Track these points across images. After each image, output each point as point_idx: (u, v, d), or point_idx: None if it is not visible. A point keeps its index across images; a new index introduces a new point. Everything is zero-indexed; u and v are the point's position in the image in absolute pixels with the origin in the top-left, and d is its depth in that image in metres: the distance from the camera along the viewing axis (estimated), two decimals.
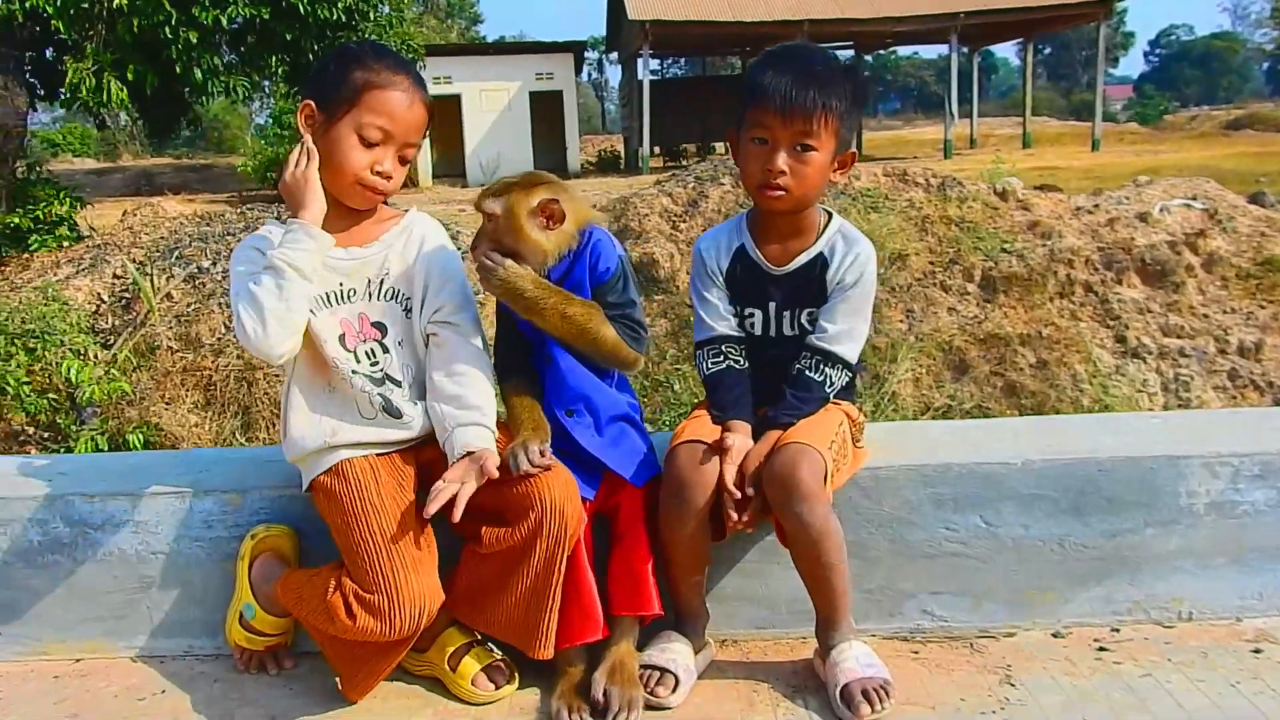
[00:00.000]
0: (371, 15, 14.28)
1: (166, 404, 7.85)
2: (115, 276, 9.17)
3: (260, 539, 2.30)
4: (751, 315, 2.27)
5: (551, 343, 2.18)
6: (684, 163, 25.13)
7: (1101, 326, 9.15)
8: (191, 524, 2.37)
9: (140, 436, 7.10)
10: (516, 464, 2.05)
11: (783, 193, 2.12)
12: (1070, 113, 53.11)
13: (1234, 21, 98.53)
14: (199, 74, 12.50)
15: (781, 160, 2.11)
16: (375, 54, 2.19)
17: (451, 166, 27.24)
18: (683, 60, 55.78)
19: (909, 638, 2.35)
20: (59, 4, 11.47)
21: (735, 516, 2.07)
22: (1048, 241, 9.54)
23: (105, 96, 12.02)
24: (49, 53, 13.28)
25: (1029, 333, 8.97)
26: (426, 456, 2.22)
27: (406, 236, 2.26)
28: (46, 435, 7.41)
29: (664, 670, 2.12)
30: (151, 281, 8.73)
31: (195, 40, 12.23)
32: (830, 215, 2.27)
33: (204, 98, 13.31)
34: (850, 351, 2.20)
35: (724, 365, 2.24)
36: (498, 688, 2.15)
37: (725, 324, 2.27)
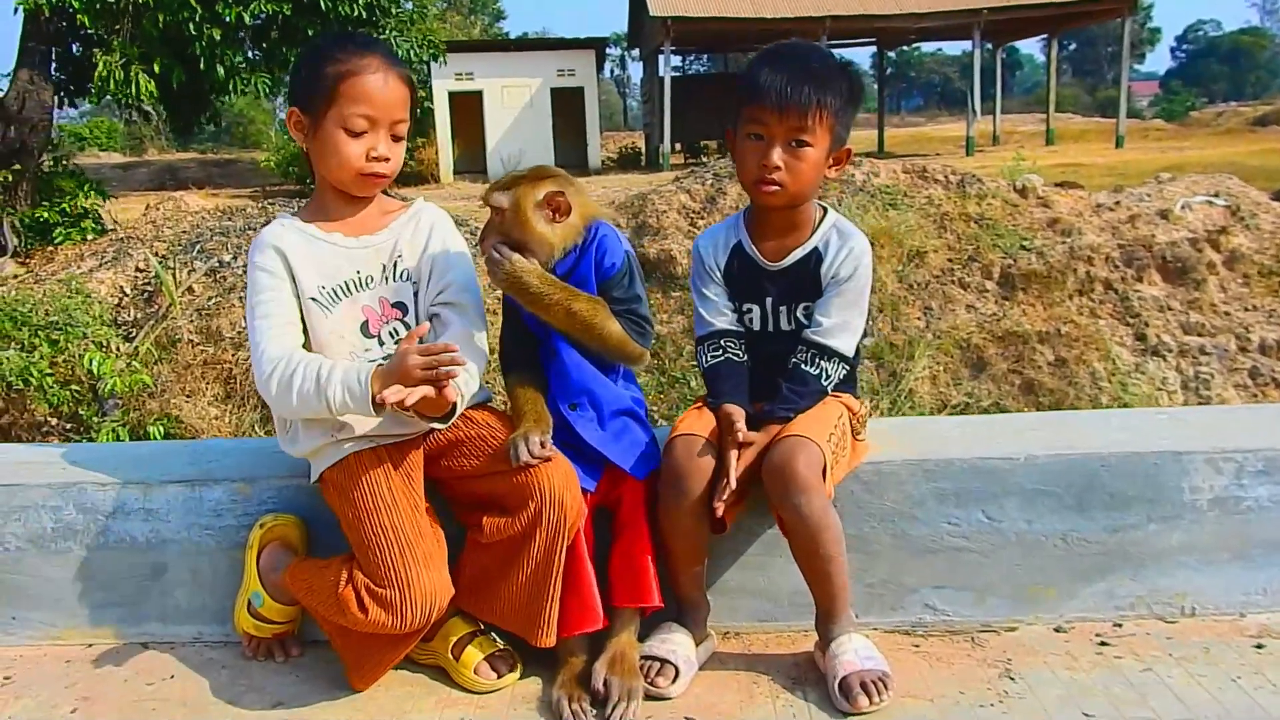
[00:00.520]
0: (393, 11, 14.35)
1: (187, 397, 7.93)
2: (138, 270, 9.27)
3: (268, 528, 2.33)
4: (750, 310, 2.29)
5: (556, 336, 2.20)
6: (705, 159, 25.11)
7: (1121, 324, 9.10)
8: (201, 513, 2.40)
9: (161, 428, 7.18)
10: (517, 454, 2.07)
11: (778, 188, 2.14)
12: (1096, 109, 52.72)
13: (1263, 17, 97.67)
14: (222, 70, 12.60)
15: (777, 156, 2.13)
16: (341, 44, 2.21)
17: (473, 163, 27.31)
18: (704, 57, 55.69)
19: (910, 631, 2.35)
20: None
21: (721, 504, 2.09)
22: (1068, 238, 9.49)
23: (134, 90, 12.13)
24: (75, 48, 13.40)
25: (1048, 330, 8.93)
26: (433, 445, 2.24)
27: (415, 223, 2.30)
28: (69, 426, 7.50)
29: (664, 661, 2.13)
30: (173, 275, 8.82)
31: (219, 37, 12.32)
32: (825, 210, 2.29)
33: (227, 94, 13.40)
34: (846, 344, 2.21)
35: (723, 358, 2.26)
36: (500, 676, 2.17)
37: (724, 319, 2.29)
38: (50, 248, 11.65)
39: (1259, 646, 2.21)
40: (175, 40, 12.43)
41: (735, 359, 2.27)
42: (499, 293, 2.26)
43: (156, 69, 12.26)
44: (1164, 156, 23.09)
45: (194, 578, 2.41)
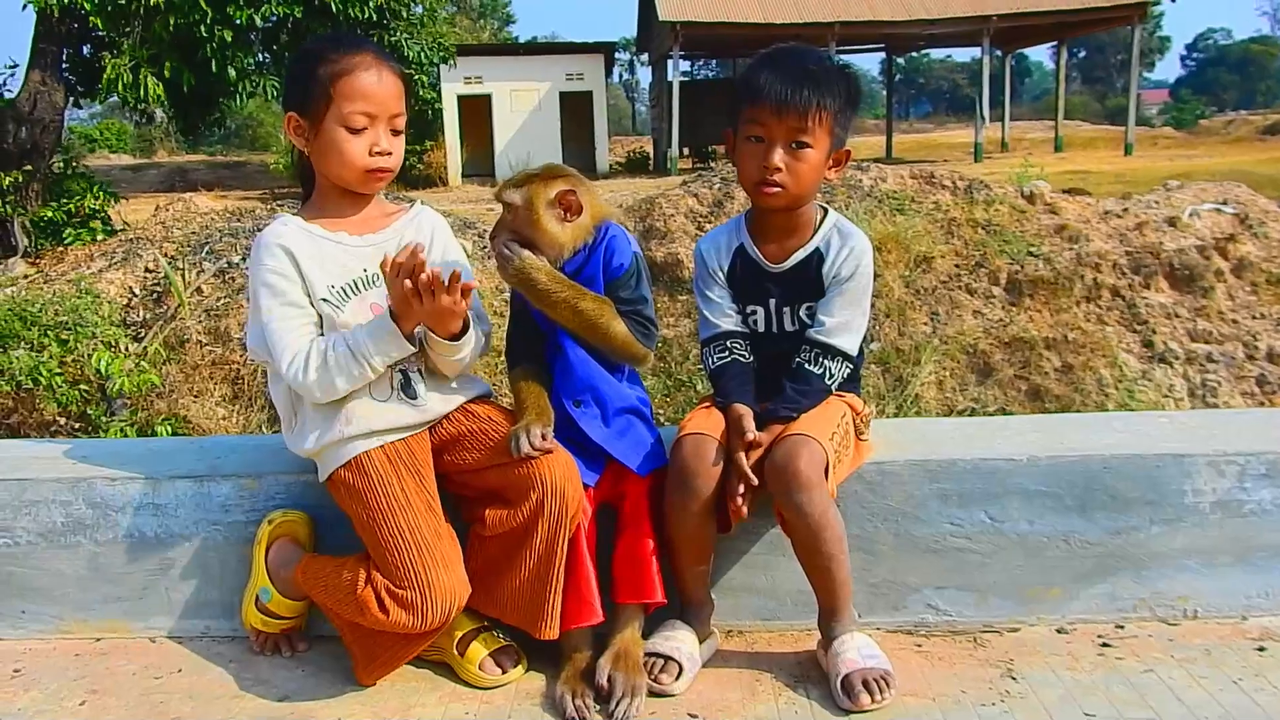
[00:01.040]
0: (404, 14, 14.41)
1: (195, 397, 7.97)
2: (147, 270, 9.31)
3: (277, 524, 2.35)
4: (754, 312, 2.31)
5: (562, 334, 2.22)
6: (712, 164, 25.14)
7: (1128, 331, 9.10)
8: (209, 508, 2.42)
9: (168, 428, 7.21)
10: (517, 446, 2.10)
11: (779, 189, 2.16)
12: (1105, 117, 52.65)
13: (1273, 25, 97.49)
14: (233, 73, 12.66)
15: (777, 157, 2.15)
16: (331, 44, 2.24)
17: (481, 166, 27.37)
18: (713, 62, 55.76)
19: (913, 631, 2.37)
20: (97, 1, 11.64)
21: (740, 501, 2.10)
22: (1075, 245, 9.49)
23: (142, 93, 12.20)
24: (86, 50, 13.48)
25: (1054, 336, 8.93)
26: (436, 440, 2.26)
27: (417, 225, 2.34)
28: (77, 426, 7.53)
29: (668, 658, 2.15)
30: (182, 276, 8.86)
31: (229, 39, 12.38)
32: (826, 211, 2.31)
33: (237, 97, 13.46)
34: (849, 343, 2.23)
35: (729, 359, 2.28)
36: (504, 672, 2.19)
37: (729, 320, 2.31)
38: (60, 248, 11.71)
39: (1260, 649, 2.22)
40: (185, 42, 12.49)
41: (741, 359, 2.28)
42: (506, 294, 2.28)
43: (166, 72, 12.32)
44: (1172, 164, 23.06)
45: (202, 572, 2.43)
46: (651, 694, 2.10)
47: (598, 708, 2.06)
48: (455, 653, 2.20)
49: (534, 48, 35.26)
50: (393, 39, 13.84)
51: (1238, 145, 31.98)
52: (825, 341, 2.22)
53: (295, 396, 2.26)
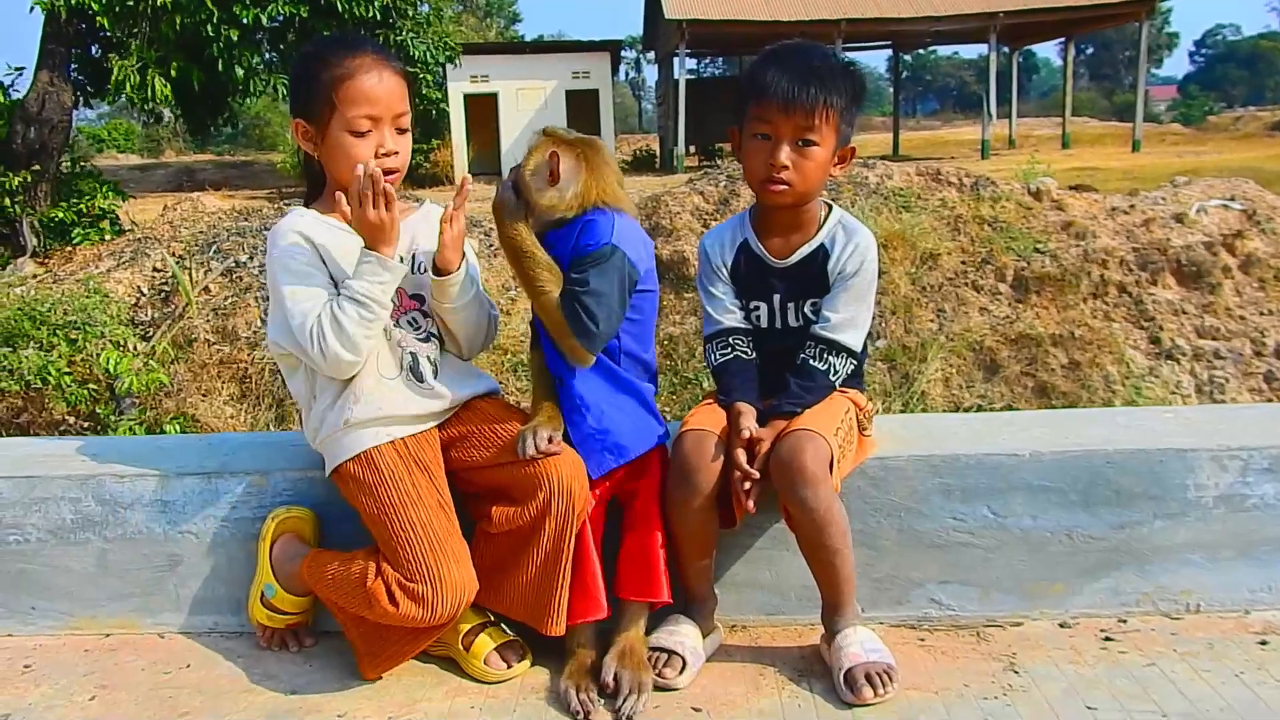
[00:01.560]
0: (409, 13, 14.43)
1: (203, 395, 8.00)
2: (155, 270, 9.35)
3: (281, 520, 2.37)
4: (757, 308, 2.32)
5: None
6: (719, 162, 25.12)
7: (1135, 328, 9.09)
8: (217, 505, 2.43)
9: (177, 427, 7.24)
10: (524, 448, 2.11)
11: (786, 187, 2.17)
12: (1113, 113, 52.51)
13: None
14: (239, 72, 12.69)
15: (784, 155, 2.15)
16: (330, 47, 2.26)
17: (487, 164, 27.40)
18: (719, 60, 55.74)
19: (916, 626, 2.38)
20: (104, 1, 11.69)
21: (744, 497, 2.11)
22: (1081, 242, 9.48)
23: (150, 93, 12.24)
24: (95, 50, 13.52)
25: (1061, 333, 8.92)
26: (447, 437, 2.28)
27: (427, 221, 2.35)
28: (86, 425, 7.56)
29: (672, 652, 2.16)
30: (190, 275, 8.89)
31: (236, 38, 12.42)
32: (830, 207, 2.31)
33: (245, 96, 13.51)
34: (853, 339, 2.24)
35: (732, 356, 2.29)
36: (510, 667, 2.20)
37: (732, 317, 2.31)
38: (69, 248, 11.76)
39: (1263, 643, 2.22)
40: (192, 42, 12.53)
41: (744, 356, 2.29)
42: (512, 294, 2.29)
43: (174, 72, 12.36)
44: (1180, 161, 22.99)
45: (210, 569, 2.45)
46: (656, 688, 2.11)
47: (601, 702, 2.07)
48: (461, 647, 2.22)
49: (540, 46, 35.25)
50: (398, 38, 13.87)
51: (1246, 141, 31.88)
52: (830, 337, 2.22)
53: (312, 384, 2.27)
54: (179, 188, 25.93)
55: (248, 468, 2.46)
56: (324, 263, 2.22)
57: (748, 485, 2.11)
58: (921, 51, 54.16)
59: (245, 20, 12.41)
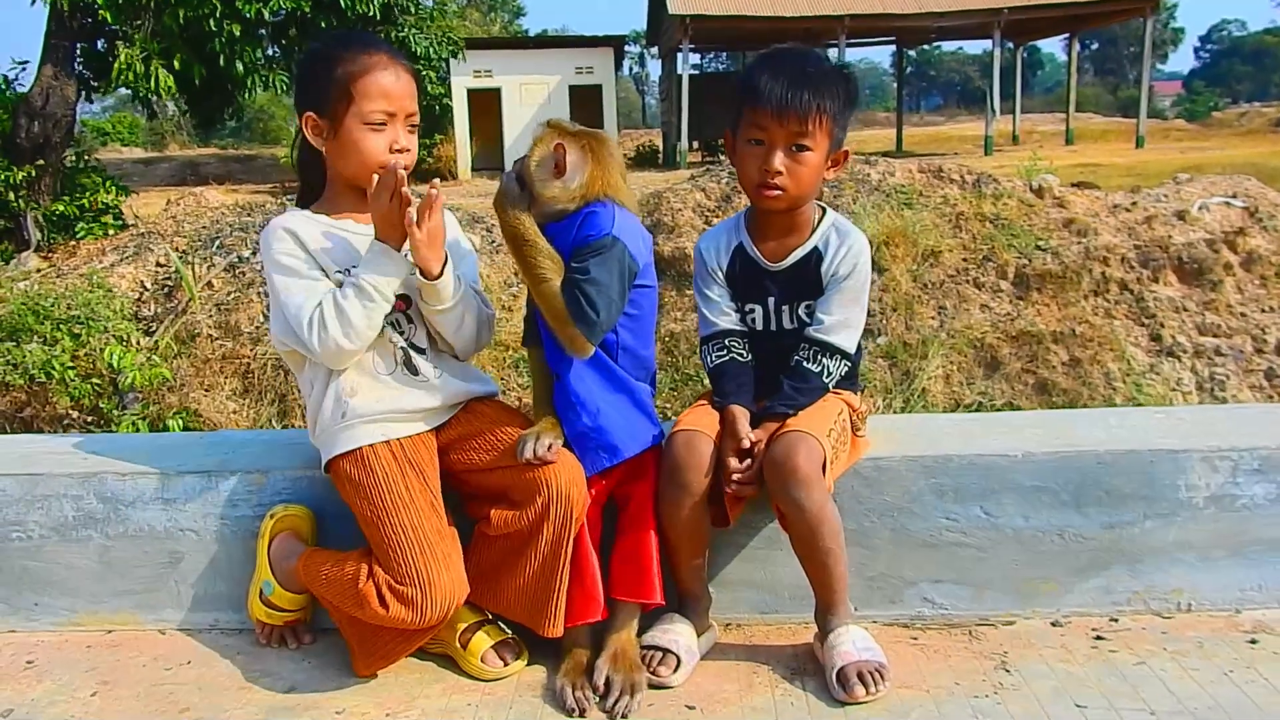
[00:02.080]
0: (412, 9, 14.44)
1: (205, 390, 8.04)
2: (158, 265, 9.38)
3: (279, 518, 2.39)
4: (752, 310, 2.34)
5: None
6: (721, 158, 25.10)
7: (1136, 325, 9.10)
8: (217, 502, 2.46)
9: (180, 422, 7.28)
10: (523, 451, 2.13)
11: (780, 192, 2.19)
12: (1118, 109, 52.43)
13: None
14: (241, 66, 12.71)
15: (778, 160, 2.17)
16: (345, 44, 2.28)
17: (490, 160, 27.41)
18: (723, 55, 55.67)
19: (909, 624, 2.40)
20: None
21: (737, 489, 2.14)
22: (1083, 239, 9.49)
23: (153, 84, 12.26)
24: (99, 44, 13.55)
25: (1062, 330, 8.94)
26: (443, 439, 2.30)
27: None
28: (90, 419, 7.60)
29: (666, 650, 2.18)
30: (193, 270, 8.92)
31: (238, 33, 12.44)
32: (824, 210, 2.33)
33: (246, 90, 13.53)
34: (847, 341, 2.26)
35: (727, 358, 2.31)
36: (506, 665, 2.22)
37: (727, 319, 2.33)
38: (72, 242, 11.79)
39: (1253, 642, 2.24)
40: (195, 36, 12.55)
41: (739, 358, 2.31)
42: (513, 289, 2.30)
43: (177, 65, 12.38)
44: (1184, 157, 22.97)
45: (210, 566, 2.47)
46: (650, 686, 2.13)
47: (596, 700, 2.09)
48: (458, 645, 2.24)
49: (543, 41, 35.21)
50: (401, 34, 13.88)
51: (1250, 137, 31.83)
52: (824, 339, 2.24)
53: (313, 379, 2.29)
54: (182, 181, 25.98)
55: (248, 466, 2.48)
56: (313, 257, 2.24)
57: (738, 480, 2.14)
58: (925, 47, 54.04)
59: (248, 15, 12.43)
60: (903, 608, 2.41)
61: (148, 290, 9.13)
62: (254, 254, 9.13)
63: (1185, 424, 2.53)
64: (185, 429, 7.33)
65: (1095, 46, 79.27)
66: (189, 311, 8.59)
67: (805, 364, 2.24)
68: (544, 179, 2.19)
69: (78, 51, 12.93)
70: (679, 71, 27.59)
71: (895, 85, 40.18)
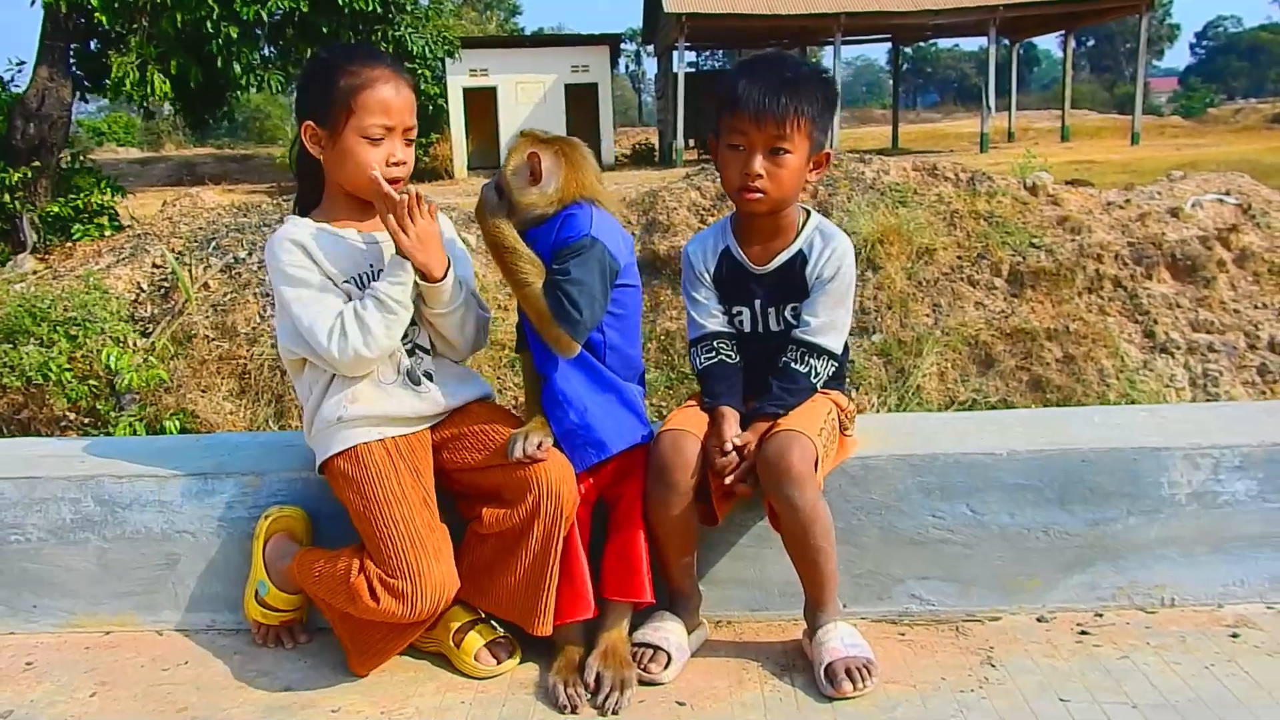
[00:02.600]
0: (408, 7, 14.44)
1: (202, 391, 8.06)
2: (154, 266, 9.40)
3: (273, 519, 2.42)
4: (740, 313, 2.37)
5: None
6: None
7: (1130, 321, 9.13)
8: (214, 505, 2.49)
9: (177, 423, 7.30)
10: (514, 450, 2.17)
11: (760, 195, 2.22)
12: (1114, 106, 52.44)
13: None
14: (238, 68, 12.72)
15: (757, 164, 2.21)
16: (349, 56, 2.30)
17: (486, 159, 27.42)
18: (719, 53, 55.66)
19: (897, 620, 2.43)
20: None
21: (723, 499, 2.17)
22: (1077, 236, 9.52)
23: (149, 89, 12.28)
24: (94, 45, 13.56)
25: (1056, 327, 8.97)
26: (436, 439, 2.33)
27: None
28: (87, 421, 7.62)
29: (656, 648, 2.21)
30: (189, 271, 8.94)
31: (235, 34, 12.44)
32: (809, 213, 2.37)
33: (243, 91, 13.54)
34: (833, 342, 2.29)
35: (716, 359, 2.34)
36: (499, 663, 2.26)
37: (715, 320, 2.37)
38: (68, 244, 11.80)
39: (1234, 636, 2.28)
40: (192, 38, 12.56)
41: (728, 360, 2.35)
42: (509, 289, 2.33)
43: (173, 68, 12.39)
44: (1179, 154, 23.02)
45: (207, 567, 2.50)
46: (641, 683, 2.17)
47: (588, 697, 2.13)
48: (451, 644, 2.27)
49: (539, 40, 35.22)
50: (397, 33, 13.89)
51: (1246, 134, 31.88)
52: (810, 341, 2.28)
53: (312, 383, 2.31)
54: (179, 181, 25.98)
55: (243, 468, 2.51)
56: (319, 266, 2.27)
57: (731, 484, 2.17)
58: (922, 44, 54.10)
59: (245, 16, 12.44)
60: (890, 604, 2.44)
61: (144, 291, 9.15)
62: (250, 255, 9.15)
63: (1168, 422, 2.56)
64: (182, 430, 7.36)
65: (1091, 43, 79.32)
66: (185, 313, 8.62)
67: (793, 365, 2.27)
68: (521, 186, 2.24)
69: (72, 53, 12.93)
70: (675, 70, 27.59)
71: (891, 82, 40.21)
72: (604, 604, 2.24)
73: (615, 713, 2.08)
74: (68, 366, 7.32)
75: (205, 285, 8.94)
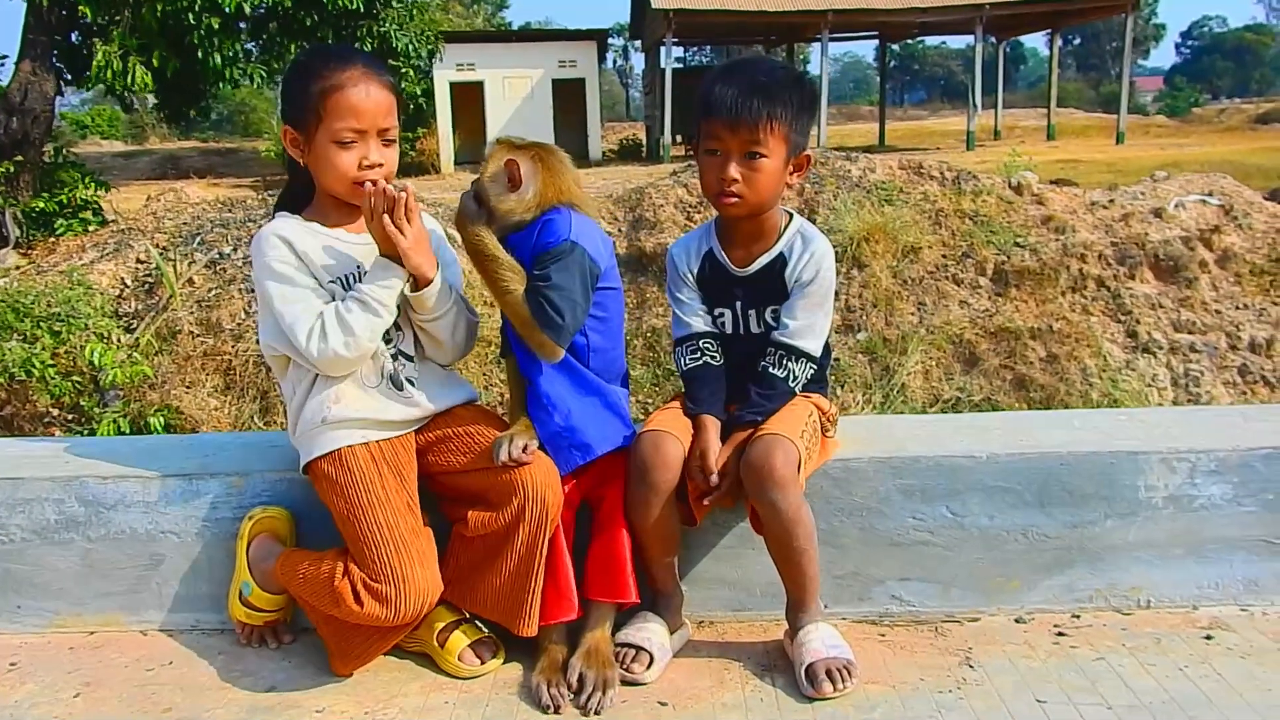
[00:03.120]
0: (392, 3, 14.38)
1: (187, 388, 8.04)
2: (138, 261, 9.37)
3: (257, 520, 2.43)
4: (721, 315, 2.39)
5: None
6: None
7: (1113, 321, 9.20)
8: (198, 505, 2.49)
9: (161, 419, 7.29)
10: (498, 454, 2.18)
11: (737, 199, 2.24)
12: (1100, 104, 52.66)
13: (1268, 14, 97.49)
14: (219, 60, 12.65)
15: (733, 169, 2.22)
16: (322, 58, 2.31)
17: (474, 154, 27.31)
18: (707, 49, 55.68)
19: (877, 621, 2.45)
20: None
21: (708, 502, 2.21)
22: (1061, 236, 9.59)
23: (130, 81, 12.20)
24: (75, 37, 13.47)
25: (1040, 326, 9.03)
26: (421, 441, 2.34)
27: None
28: (71, 417, 7.60)
29: (639, 648, 2.23)
30: (174, 267, 8.92)
31: (217, 27, 12.38)
32: (791, 216, 2.38)
33: (223, 84, 13.47)
34: (812, 345, 2.31)
35: (700, 361, 2.36)
36: (483, 663, 2.27)
37: (700, 321, 2.39)
38: (52, 239, 11.73)
39: (1208, 638, 2.31)
40: (173, 30, 12.48)
41: (712, 362, 2.36)
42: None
43: (155, 61, 12.32)
44: (1163, 153, 23.15)
45: (191, 567, 2.51)
46: (624, 683, 2.18)
47: (572, 697, 2.14)
48: (435, 644, 2.29)
49: (527, 35, 35.20)
50: (381, 30, 13.83)
51: (1229, 134, 32.09)
52: (789, 343, 2.29)
53: (296, 383, 2.32)
54: (163, 175, 25.85)
55: (227, 469, 2.51)
56: (306, 265, 2.27)
57: (709, 490, 2.20)
58: (909, 41, 54.20)
59: (227, 9, 12.37)
60: (871, 605, 2.46)
61: (128, 287, 9.12)
62: (235, 250, 9.13)
63: (1145, 426, 2.59)
64: (167, 426, 7.34)
65: (1078, 42, 79.67)
66: (170, 308, 8.59)
67: (771, 370, 2.29)
68: (499, 193, 2.26)
69: (54, 45, 12.84)
70: (662, 65, 27.61)
71: (879, 79, 40.28)
72: (587, 604, 2.26)
73: (598, 713, 2.10)
74: (51, 363, 7.30)
75: (190, 281, 8.91)
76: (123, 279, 9.20)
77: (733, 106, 2.19)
